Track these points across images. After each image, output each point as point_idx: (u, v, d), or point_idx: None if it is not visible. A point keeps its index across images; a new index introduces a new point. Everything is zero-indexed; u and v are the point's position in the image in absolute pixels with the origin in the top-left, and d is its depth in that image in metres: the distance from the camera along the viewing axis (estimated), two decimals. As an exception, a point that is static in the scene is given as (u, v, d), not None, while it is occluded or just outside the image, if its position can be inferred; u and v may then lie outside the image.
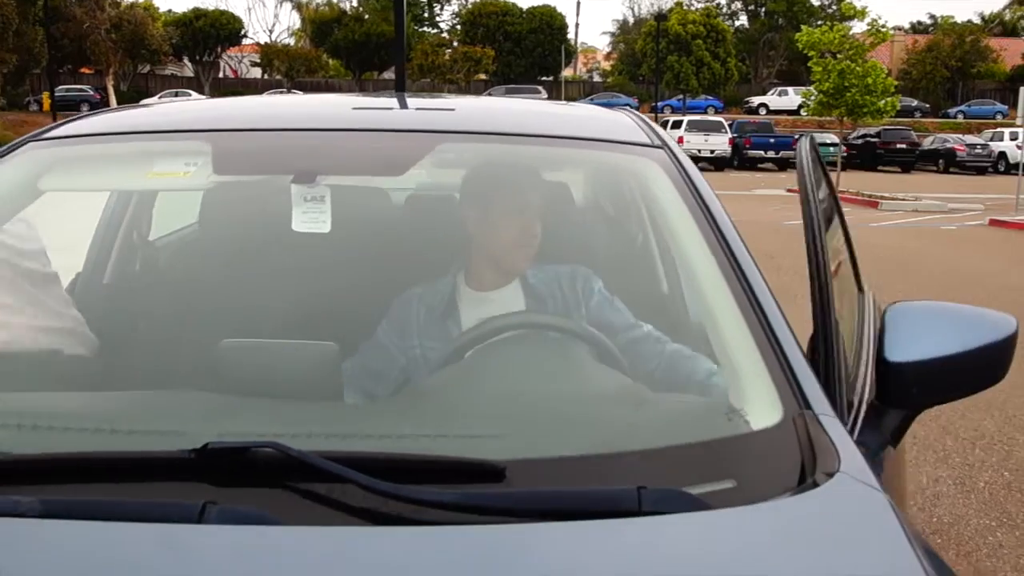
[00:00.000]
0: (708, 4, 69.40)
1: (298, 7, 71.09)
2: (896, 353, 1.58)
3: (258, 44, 66.93)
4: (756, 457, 1.31)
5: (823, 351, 1.50)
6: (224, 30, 58.83)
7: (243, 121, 2.23)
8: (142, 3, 52.48)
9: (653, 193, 2.00)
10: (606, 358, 1.66)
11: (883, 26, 30.29)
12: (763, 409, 1.37)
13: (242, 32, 62.87)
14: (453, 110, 2.47)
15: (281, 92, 53.77)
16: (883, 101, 28.35)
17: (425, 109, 2.46)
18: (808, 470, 1.22)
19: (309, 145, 2.01)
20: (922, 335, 1.61)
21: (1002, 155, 38.51)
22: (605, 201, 2.38)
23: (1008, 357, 1.68)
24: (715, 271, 1.65)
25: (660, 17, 47.04)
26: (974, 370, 1.63)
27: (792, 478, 1.22)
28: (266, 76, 63.04)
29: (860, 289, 2.46)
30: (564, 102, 2.35)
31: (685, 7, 63.87)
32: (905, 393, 1.60)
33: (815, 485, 1.18)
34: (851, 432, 1.43)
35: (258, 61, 62.59)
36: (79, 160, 2.07)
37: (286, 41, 69.23)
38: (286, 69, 58.73)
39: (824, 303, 1.54)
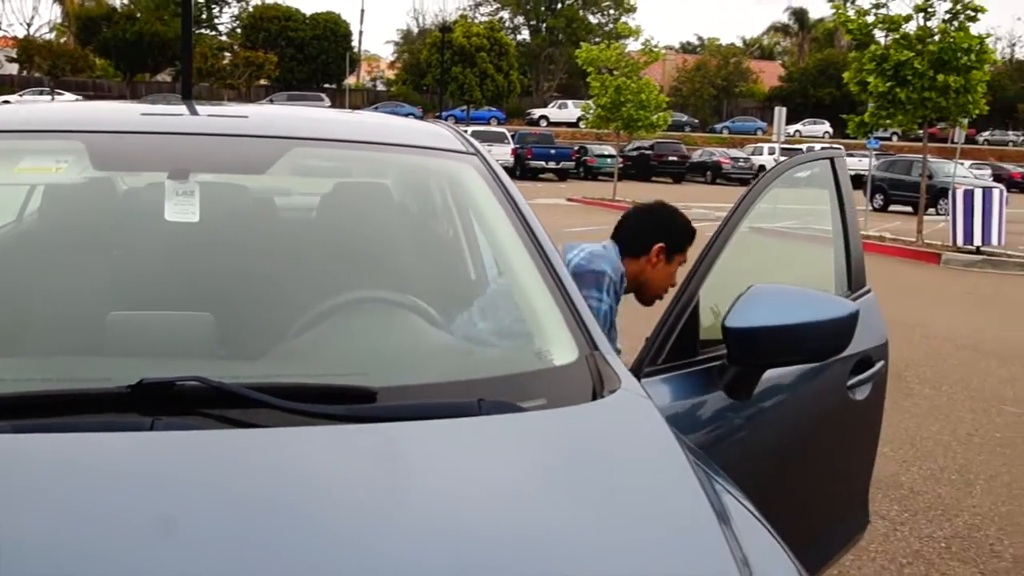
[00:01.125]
0: (491, 18, 70.90)
1: (60, 1, 67.26)
2: (733, 320, 2.01)
3: (14, 38, 62.13)
4: (561, 382, 1.79)
5: (667, 314, 2.20)
6: (-28, 21, 54.38)
7: (116, 124, 2.45)
8: None
9: (470, 192, 2.44)
10: (437, 321, 2.05)
11: (655, 46, 31.99)
12: (565, 351, 1.86)
13: (-10, 24, 58.50)
14: (246, 116, 2.74)
15: (42, 91, 50.67)
16: (656, 116, 29.96)
17: (218, 116, 2.80)
18: (598, 391, 1.72)
19: (178, 146, 2.32)
20: (761, 309, 2.04)
21: (762, 167, 41.49)
22: (426, 200, 2.69)
23: (845, 334, 2.12)
24: (524, 253, 2.12)
25: (445, 29, 47.72)
26: (809, 340, 2.06)
27: (587, 395, 1.72)
28: (24, 73, 59.04)
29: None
30: (369, 111, 2.54)
31: (469, 20, 64.99)
32: (737, 352, 2.07)
33: (601, 397, 1.70)
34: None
35: (15, 56, 58.00)
36: None
37: (47, 37, 65.01)
38: (48, 67, 54.95)
39: (686, 283, 2.25)
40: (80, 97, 50.77)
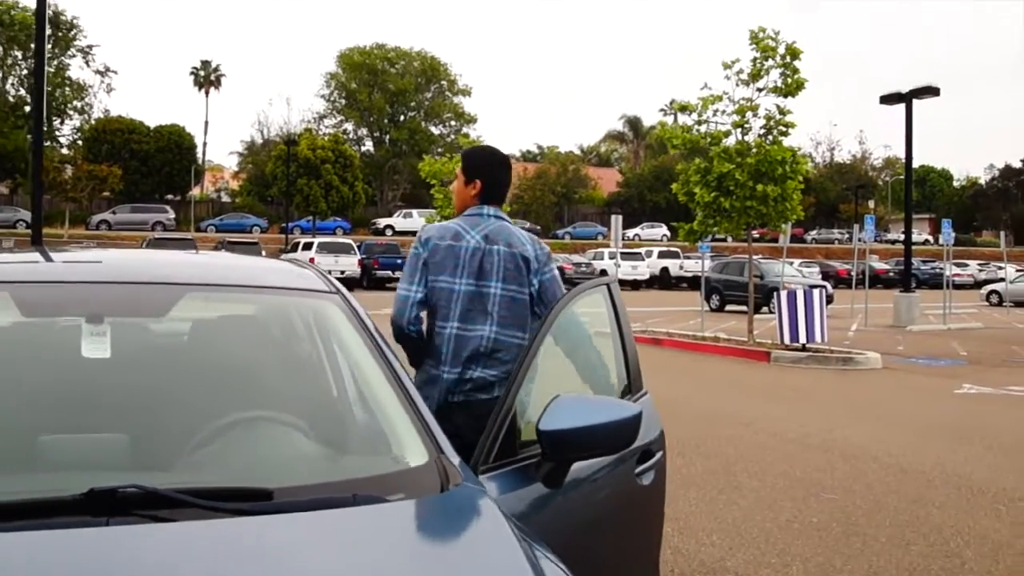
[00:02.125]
0: (336, 131, 71.55)
1: None
2: (544, 424, 2.44)
3: None
4: (416, 480, 2.25)
5: (492, 421, 2.61)
6: None
7: (33, 274, 2.96)
8: None
9: (333, 324, 2.93)
10: (309, 434, 2.51)
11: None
12: (417, 455, 2.34)
13: None
14: (99, 263, 3.25)
15: None
16: (499, 225, 30.62)
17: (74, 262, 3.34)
18: (444, 485, 2.22)
19: (89, 293, 2.77)
20: (566, 414, 2.48)
21: (603, 271, 43.00)
22: (293, 332, 3.09)
23: (630, 431, 2.57)
24: (380, 375, 2.64)
25: (290, 142, 47.80)
26: (603, 437, 2.51)
27: (436, 489, 2.21)
28: None
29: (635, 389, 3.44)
30: (252, 257, 2.89)
31: (314, 132, 65.32)
32: (549, 450, 2.49)
33: (447, 490, 2.20)
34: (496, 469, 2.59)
35: None
36: None
37: None
38: None
39: (505, 394, 2.66)
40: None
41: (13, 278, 2.85)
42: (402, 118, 77.07)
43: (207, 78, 74.20)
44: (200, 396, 2.65)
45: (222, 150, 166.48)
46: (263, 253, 38.42)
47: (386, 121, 76.84)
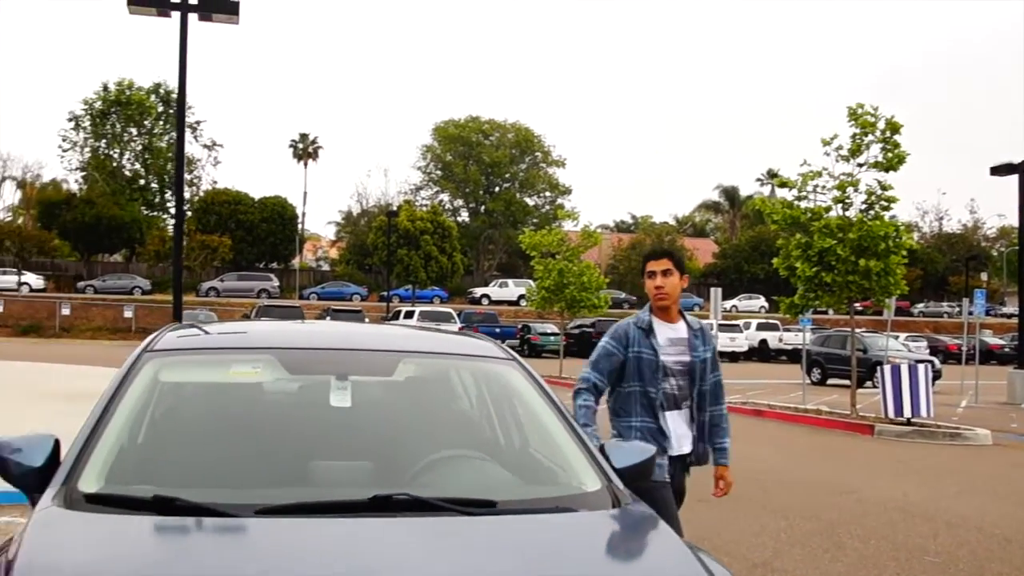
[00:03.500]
0: (433, 202, 73.21)
1: (21, 185, 68.60)
2: (616, 462, 3.31)
3: None
4: (594, 499, 3.04)
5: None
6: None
7: (291, 342, 3.93)
8: None
9: (514, 384, 3.75)
10: (505, 467, 3.47)
11: (594, 231, 33.46)
12: (592, 481, 3.15)
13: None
14: (371, 335, 4.55)
15: (5, 271, 51.67)
16: (597, 296, 31.13)
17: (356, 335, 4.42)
18: (616, 504, 3.01)
19: (333, 358, 3.71)
20: (619, 456, 3.35)
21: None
22: (484, 389, 3.97)
23: (649, 469, 3.39)
24: (556, 423, 3.48)
25: (391, 214, 49.33)
26: (638, 475, 3.32)
27: (610, 506, 3.00)
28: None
29: None
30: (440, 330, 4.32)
31: (412, 204, 66.96)
32: (622, 479, 3.22)
33: (619, 507, 2.99)
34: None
35: None
36: (179, 364, 3.66)
37: (6, 217, 66.47)
38: (17, 250, 56.25)
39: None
40: (43, 277, 51.97)
41: (278, 345, 3.79)
42: (497, 189, 78.36)
43: (305, 150, 76.81)
44: (417, 436, 3.53)
45: (320, 219, 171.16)
46: (366, 321, 39.61)
47: (481, 192, 78.19)
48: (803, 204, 17.68)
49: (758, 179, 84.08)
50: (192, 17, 16.35)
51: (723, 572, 2.67)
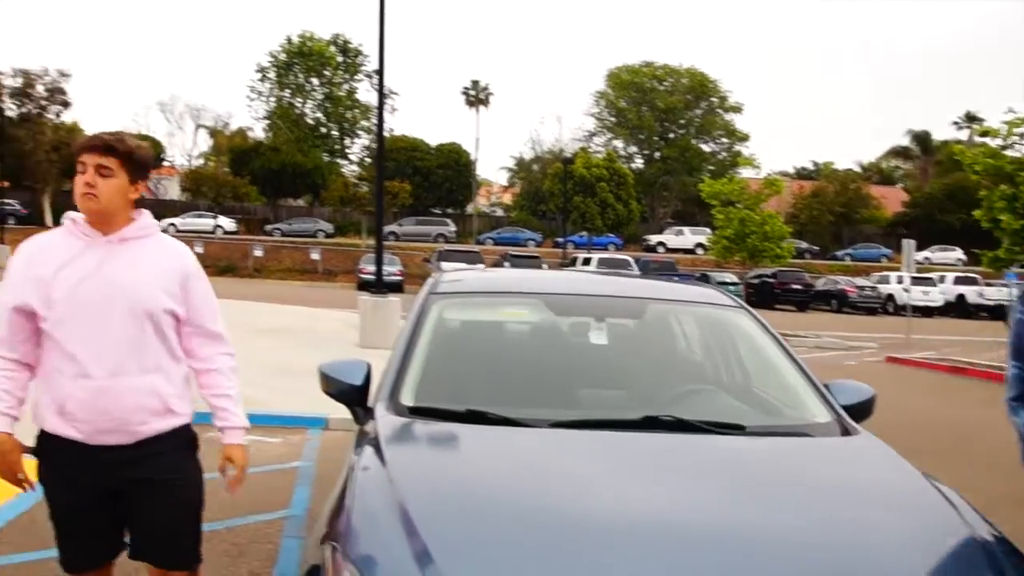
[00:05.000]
0: (608, 148, 72.49)
1: (212, 134, 72.06)
2: (839, 400, 3.71)
3: (174, 167, 69.07)
4: (827, 428, 3.45)
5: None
6: (145, 153, 59.69)
7: (553, 288, 4.62)
8: (69, 125, 53.35)
9: (745, 328, 4.22)
10: (745, 400, 3.90)
11: (776, 178, 32.31)
12: (822, 414, 3.56)
13: (161, 156, 63.54)
14: (625, 285, 5.24)
15: (201, 215, 54.88)
16: (781, 246, 30.12)
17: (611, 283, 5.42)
18: (844, 432, 3.45)
19: (590, 302, 4.38)
20: (842, 395, 3.76)
21: (890, 297, 40.89)
22: (719, 333, 4.39)
23: (869, 407, 3.80)
24: (786, 363, 3.89)
25: (567, 161, 49.08)
26: (859, 412, 3.69)
27: (838, 433, 3.44)
28: (185, 199, 63.83)
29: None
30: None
31: (588, 152, 66.46)
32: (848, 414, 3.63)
33: (850, 434, 3.44)
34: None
35: (186, 186, 64.53)
36: (460, 305, 4.34)
37: (197, 163, 70.59)
38: (214, 195, 59.58)
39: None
40: (236, 220, 54.97)
41: (543, 290, 4.48)
42: (672, 135, 77.02)
43: (477, 97, 77.37)
44: (662, 370, 4.07)
45: (491, 165, 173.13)
46: (545, 266, 39.75)
47: (656, 138, 77.04)
48: (1009, 153, 16.57)
49: (955, 123, 78.86)
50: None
51: (952, 493, 2.92)
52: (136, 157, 2.98)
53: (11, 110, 49.47)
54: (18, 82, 50.65)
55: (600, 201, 56.49)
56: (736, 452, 3.14)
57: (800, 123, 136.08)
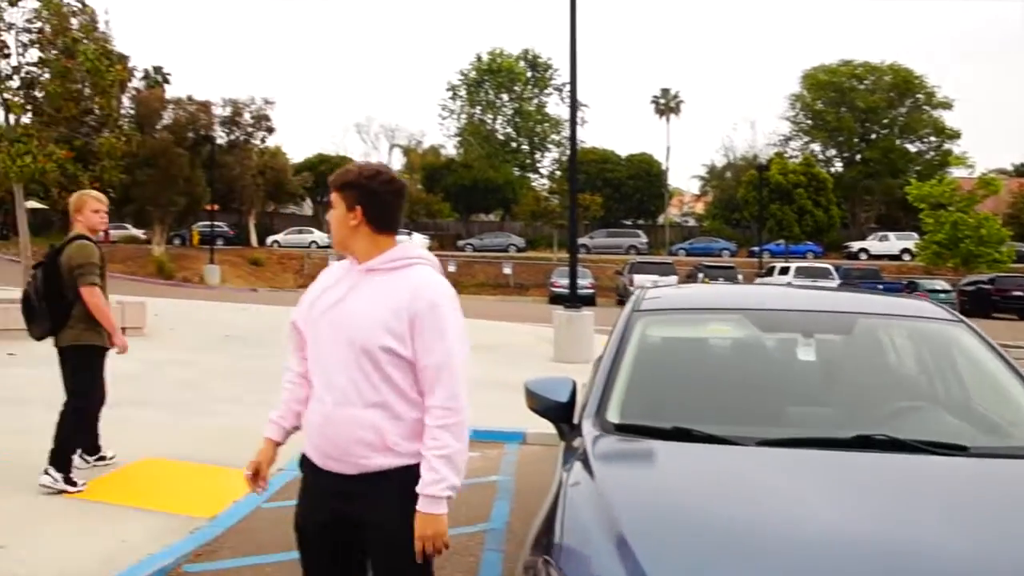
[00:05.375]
0: (804, 152, 70.14)
1: (406, 152, 74.73)
2: None
3: None
4: None
5: None
6: (342, 174, 62.94)
7: (757, 303, 4.53)
8: (272, 149, 56.76)
9: (964, 343, 4.01)
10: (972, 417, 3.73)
11: (993, 178, 30.35)
12: None
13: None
14: (829, 300, 4.81)
15: (407, 232, 57.30)
16: (999, 250, 28.23)
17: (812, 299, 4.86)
18: None
19: (797, 318, 4.21)
20: None
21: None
22: (932, 348, 4.21)
23: None
24: (1009, 378, 3.67)
25: (762, 167, 47.76)
26: None
27: None
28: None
29: None
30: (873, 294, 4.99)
31: (784, 156, 64.46)
32: None
33: None
34: None
35: None
36: (663, 322, 4.32)
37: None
38: (408, 212, 61.89)
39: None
40: (429, 237, 57.06)
41: (747, 306, 4.44)
42: (873, 136, 73.73)
43: (667, 105, 76.75)
44: (873, 387, 3.89)
45: (682, 174, 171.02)
46: (740, 277, 38.81)
47: (856, 140, 73.97)
48: None
49: None
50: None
51: None
52: (341, 184, 3.00)
53: (221, 138, 52.83)
54: (227, 111, 54.12)
55: (797, 207, 54.64)
56: (960, 475, 2.97)
57: (1019, 116, 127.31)
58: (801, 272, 38.65)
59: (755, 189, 52.59)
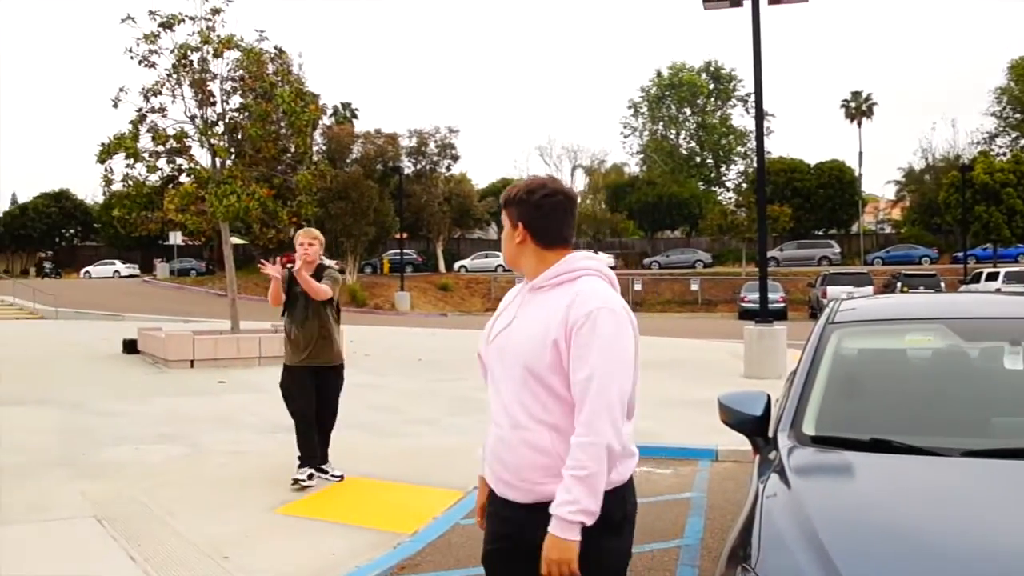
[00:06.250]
0: (1014, 150, 65.93)
1: (588, 172, 75.14)
2: None
3: None
4: None
5: None
6: (529, 196, 64.15)
7: (957, 312, 4.42)
8: (458, 176, 58.52)
9: None
10: None
11: None
12: None
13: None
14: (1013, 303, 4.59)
15: (592, 251, 57.39)
16: None
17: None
18: None
19: (1003, 326, 4.09)
20: None
21: None
22: None
23: None
24: None
25: (965, 168, 45.18)
26: None
27: None
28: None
29: None
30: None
31: (989, 155, 60.87)
32: None
33: None
34: None
35: None
36: (858, 334, 4.27)
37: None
38: (593, 232, 62.24)
39: None
40: (614, 256, 57.21)
41: (946, 315, 4.32)
42: (1092, 128, 68.46)
43: (858, 108, 73.87)
44: None
45: (876, 180, 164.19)
46: (942, 285, 36.86)
47: (1072, 133, 68.88)
48: None
49: None
50: (763, 2, 16.36)
51: None
52: (506, 201, 2.98)
53: (408, 168, 54.84)
54: (413, 142, 56.15)
55: (1007, 208, 51.32)
56: None
57: None
58: (1011, 277, 36.20)
59: (958, 191, 49.80)
